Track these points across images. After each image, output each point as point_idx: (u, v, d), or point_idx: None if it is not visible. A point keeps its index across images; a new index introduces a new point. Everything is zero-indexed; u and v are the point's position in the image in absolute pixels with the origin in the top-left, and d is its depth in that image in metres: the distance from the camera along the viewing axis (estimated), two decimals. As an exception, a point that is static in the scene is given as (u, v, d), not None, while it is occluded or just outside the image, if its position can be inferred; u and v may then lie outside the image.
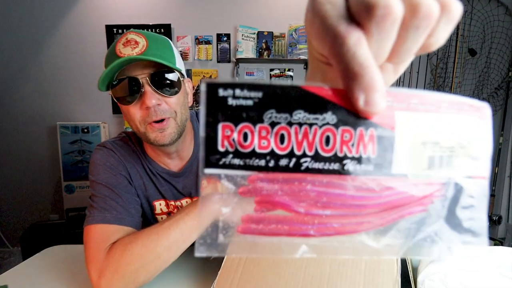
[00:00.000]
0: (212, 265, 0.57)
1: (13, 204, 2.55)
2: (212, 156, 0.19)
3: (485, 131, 0.20)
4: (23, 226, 1.80)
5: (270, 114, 0.19)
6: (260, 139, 0.19)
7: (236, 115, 0.19)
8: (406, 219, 0.20)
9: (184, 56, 2.41)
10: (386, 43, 0.18)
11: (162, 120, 0.67)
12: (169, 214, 0.82)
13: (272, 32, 2.42)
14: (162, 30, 2.38)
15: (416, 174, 0.20)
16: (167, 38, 0.71)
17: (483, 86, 2.43)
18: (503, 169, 2.48)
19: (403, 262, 0.51)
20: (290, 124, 0.19)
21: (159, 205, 0.81)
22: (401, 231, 0.20)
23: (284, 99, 0.19)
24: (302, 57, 2.37)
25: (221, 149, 0.19)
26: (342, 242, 0.20)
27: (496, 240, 2.36)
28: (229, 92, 0.19)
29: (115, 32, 2.41)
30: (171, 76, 0.66)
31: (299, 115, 0.19)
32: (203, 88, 0.19)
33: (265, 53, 2.41)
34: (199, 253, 0.20)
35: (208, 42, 2.44)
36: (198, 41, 2.44)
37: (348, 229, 0.20)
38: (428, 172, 0.20)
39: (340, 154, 0.19)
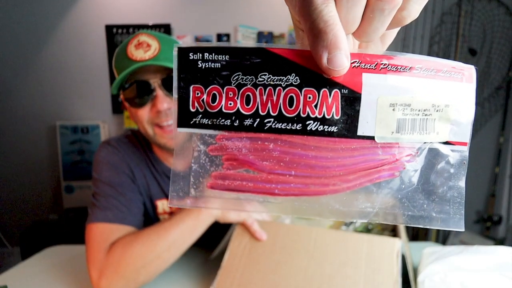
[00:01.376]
0: (212, 265, 0.57)
1: (12, 204, 2.55)
2: (184, 116, 0.21)
3: (467, 94, 0.19)
4: (22, 226, 1.80)
5: (237, 76, 0.20)
6: (227, 100, 0.20)
7: (206, 78, 0.20)
8: (375, 184, 0.20)
9: (184, 56, 2.41)
10: (354, 10, 0.18)
11: (171, 122, 0.67)
12: (171, 214, 0.82)
13: (272, 32, 2.41)
14: (162, 30, 2.38)
15: (383, 137, 0.19)
16: (178, 40, 0.71)
17: (483, 86, 2.43)
18: (503, 169, 2.47)
19: (403, 262, 0.51)
20: (255, 85, 0.19)
21: (162, 205, 0.81)
22: (369, 196, 0.20)
23: (249, 61, 0.19)
24: (302, 57, 2.37)
25: (192, 109, 0.20)
26: (308, 202, 0.20)
27: (496, 240, 2.36)
28: (199, 55, 0.20)
29: (115, 32, 2.41)
30: None
31: (264, 76, 0.19)
32: (174, 52, 0.20)
33: (265, 53, 2.41)
34: (171, 204, 0.22)
35: (208, 42, 2.44)
36: (198, 41, 2.44)
37: (312, 190, 0.20)
38: (397, 136, 0.19)
39: (303, 115, 0.19)
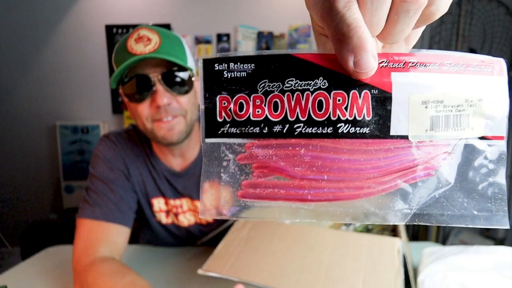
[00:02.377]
0: (205, 254, 0.57)
1: (12, 204, 2.55)
2: (212, 126, 0.21)
3: (499, 88, 0.19)
4: (22, 226, 1.80)
5: (263, 84, 0.20)
6: (255, 108, 0.20)
7: (232, 87, 0.20)
8: (412, 185, 0.20)
9: (184, 56, 2.41)
10: (379, 12, 0.18)
11: (172, 117, 0.66)
12: (168, 212, 0.82)
13: (272, 32, 2.41)
14: (162, 30, 2.38)
15: (417, 136, 0.19)
16: (179, 36, 0.70)
17: (483, 86, 2.43)
18: (503, 169, 2.47)
19: (403, 262, 0.50)
20: (282, 92, 0.19)
21: (158, 203, 0.80)
22: (405, 197, 0.20)
23: (275, 68, 0.19)
24: (302, 57, 2.37)
25: (219, 119, 0.20)
26: (342, 207, 0.20)
27: (496, 240, 2.36)
28: (224, 65, 0.20)
29: (115, 32, 2.41)
30: (183, 75, 0.65)
31: (291, 82, 0.19)
32: (200, 64, 0.20)
33: (265, 53, 2.40)
34: (203, 215, 0.22)
35: (208, 42, 2.44)
36: (198, 40, 2.44)
37: (346, 194, 0.20)
38: (432, 133, 0.19)
39: (333, 118, 0.19)
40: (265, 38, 2.41)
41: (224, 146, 0.21)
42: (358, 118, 0.19)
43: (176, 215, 0.82)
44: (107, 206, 0.70)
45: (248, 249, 0.56)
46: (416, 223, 0.20)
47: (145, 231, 0.87)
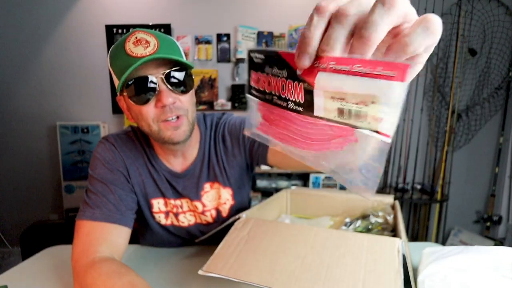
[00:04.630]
0: (206, 254, 0.57)
1: (12, 204, 2.55)
2: (248, 87, 0.35)
3: (395, 92, 0.22)
4: (22, 226, 1.80)
5: (267, 68, 0.31)
6: (262, 81, 0.32)
7: (256, 67, 0.33)
8: (332, 152, 0.28)
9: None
10: (334, 36, 0.25)
11: (176, 118, 0.67)
12: (167, 213, 0.82)
13: (272, 32, 2.41)
14: (162, 30, 2.38)
15: (329, 119, 0.27)
16: (172, 37, 0.71)
17: (483, 86, 2.43)
18: (503, 169, 2.47)
19: (403, 262, 0.50)
20: (273, 75, 0.31)
21: (157, 203, 0.81)
22: (328, 157, 0.28)
23: (272, 60, 0.30)
24: (302, 57, 2.37)
25: (252, 84, 0.34)
26: (296, 150, 0.31)
27: (496, 240, 2.36)
28: (254, 54, 0.32)
29: (115, 32, 2.41)
30: (184, 75, 0.66)
31: (275, 70, 0.30)
32: (247, 54, 0.33)
33: (265, 53, 2.41)
34: (246, 132, 0.36)
35: (208, 42, 2.44)
36: (198, 41, 2.44)
37: (300, 145, 0.30)
38: (338, 119, 0.26)
39: (288, 97, 0.30)
40: (265, 38, 2.41)
41: (252, 101, 0.34)
42: (297, 100, 0.29)
43: (176, 215, 0.83)
44: (106, 207, 0.70)
45: (248, 249, 0.56)
46: (331, 176, 0.30)
47: (145, 232, 0.87)
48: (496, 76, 2.40)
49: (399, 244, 0.53)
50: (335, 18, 0.25)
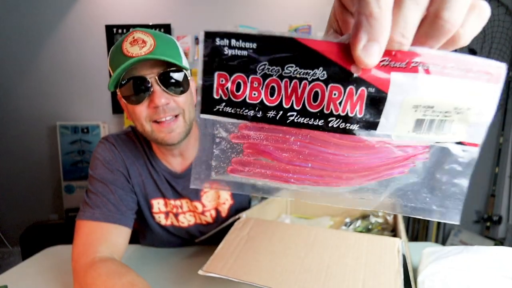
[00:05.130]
0: (205, 254, 0.57)
1: (12, 204, 2.55)
2: (208, 103, 0.20)
3: (491, 96, 0.19)
4: (22, 226, 1.80)
5: (263, 66, 0.19)
6: (252, 90, 0.20)
7: (231, 65, 0.19)
8: (385, 180, 0.21)
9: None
10: (409, 18, 0.17)
11: (175, 117, 0.67)
12: (167, 213, 0.82)
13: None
14: (162, 30, 2.38)
15: (399, 136, 0.19)
16: (172, 37, 0.71)
17: (483, 86, 2.43)
18: (503, 169, 2.47)
19: (404, 262, 0.50)
20: (281, 77, 0.19)
21: (157, 204, 0.81)
22: (377, 188, 0.21)
23: (277, 51, 0.18)
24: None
25: (215, 96, 0.20)
26: (320, 190, 0.21)
27: (496, 240, 2.36)
28: (226, 41, 0.19)
29: (115, 32, 2.41)
30: (179, 75, 0.66)
31: (291, 68, 0.19)
32: (201, 36, 0.19)
33: (265, 53, 2.40)
34: (194, 186, 0.23)
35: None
36: (198, 41, 2.44)
37: (326, 181, 0.21)
38: (413, 135, 0.19)
39: (326, 111, 0.19)
40: (265, 38, 2.41)
41: (218, 124, 0.21)
42: (350, 115, 0.19)
43: (176, 215, 0.83)
44: (106, 207, 0.70)
45: (248, 249, 0.56)
46: (380, 210, 0.21)
47: (145, 232, 0.87)
48: (496, 76, 2.39)
49: (399, 244, 0.53)
50: None
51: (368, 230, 0.79)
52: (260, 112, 0.20)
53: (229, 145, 0.21)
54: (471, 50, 2.36)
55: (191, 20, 2.42)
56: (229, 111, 0.20)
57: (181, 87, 0.67)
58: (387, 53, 0.18)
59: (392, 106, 0.18)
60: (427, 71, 0.18)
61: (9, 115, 2.46)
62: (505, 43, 2.35)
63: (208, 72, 0.20)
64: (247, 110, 0.20)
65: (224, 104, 0.20)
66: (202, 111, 0.21)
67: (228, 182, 0.22)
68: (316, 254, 0.53)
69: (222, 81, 0.20)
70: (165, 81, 0.64)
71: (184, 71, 0.67)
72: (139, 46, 0.62)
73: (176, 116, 0.68)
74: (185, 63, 0.68)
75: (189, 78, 0.69)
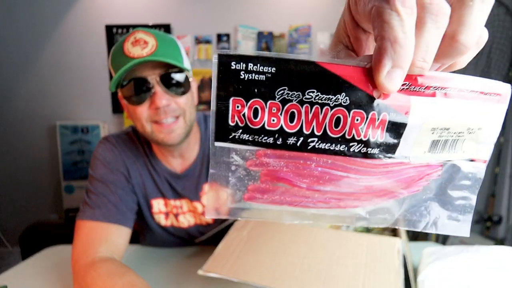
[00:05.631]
0: (205, 254, 0.57)
1: (12, 204, 2.55)
2: (223, 130, 0.19)
3: (498, 116, 0.20)
4: (22, 226, 1.80)
5: (282, 91, 0.18)
6: (270, 116, 0.19)
7: (248, 90, 0.18)
8: (401, 198, 0.22)
9: (184, 56, 2.41)
10: (431, 42, 0.17)
11: (175, 118, 0.67)
12: (167, 214, 0.82)
13: (272, 32, 2.41)
14: (162, 30, 2.38)
15: (416, 157, 0.20)
16: (174, 38, 0.71)
17: (483, 86, 2.43)
18: (503, 169, 2.47)
19: (403, 262, 0.50)
20: (301, 102, 0.18)
21: (157, 204, 0.81)
22: (392, 206, 0.21)
23: (297, 76, 0.18)
24: (302, 57, 2.37)
25: (231, 123, 0.19)
26: (338, 212, 0.21)
27: (496, 240, 2.36)
28: (242, 65, 0.18)
29: (115, 32, 2.41)
30: (181, 76, 0.66)
31: (312, 94, 0.18)
32: (214, 59, 0.18)
33: (265, 53, 2.40)
34: (208, 215, 0.21)
35: (208, 42, 2.44)
36: (198, 41, 2.44)
37: (345, 204, 0.21)
38: (428, 155, 0.20)
39: (348, 136, 0.19)
40: (265, 38, 2.41)
41: (234, 151, 0.20)
42: (371, 140, 0.19)
43: (176, 216, 0.82)
44: (106, 207, 0.70)
45: (248, 249, 0.56)
46: (396, 227, 0.22)
47: (145, 232, 0.87)
48: (496, 76, 2.39)
49: (399, 244, 0.53)
50: (430, 16, 0.17)
51: (368, 230, 0.79)
52: (280, 139, 0.19)
53: (246, 172, 0.21)
54: (471, 50, 2.36)
55: (191, 20, 2.42)
56: (246, 139, 0.19)
57: (182, 88, 0.67)
58: (408, 77, 0.18)
59: (412, 129, 0.19)
60: (445, 95, 0.18)
61: (9, 115, 2.46)
62: (505, 43, 2.35)
63: (222, 98, 0.19)
64: (266, 137, 0.19)
65: (240, 131, 0.19)
66: (217, 139, 0.20)
67: (244, 209, 0.22)
68: (316, 254, 0.53)
69: (238, 107, 0.19)
70: (167, 82, 0.64)
71: (186, 72, 0.67)
72: (140, 47, 0.62)
73: (176, 117, 0.68)
74: (186, 63, 0.68)
75: (190, 79, 0.69)
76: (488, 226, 2.47)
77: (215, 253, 0.56)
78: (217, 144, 0.20)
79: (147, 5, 2.39)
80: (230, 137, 0.19)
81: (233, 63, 0.18)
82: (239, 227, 0.63)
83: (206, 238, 0.78)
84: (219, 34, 2.44)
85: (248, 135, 0.19)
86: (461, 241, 2.44)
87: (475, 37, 0.17)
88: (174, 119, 0.67)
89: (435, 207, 0.21)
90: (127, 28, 2.38)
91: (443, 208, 0.21)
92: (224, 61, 0.18)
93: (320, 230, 0.59)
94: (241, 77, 0.18)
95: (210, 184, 0.21)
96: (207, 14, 2.41)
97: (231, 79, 0.18)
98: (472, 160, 0.21)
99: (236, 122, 0.19)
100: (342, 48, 0.23)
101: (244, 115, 0.19)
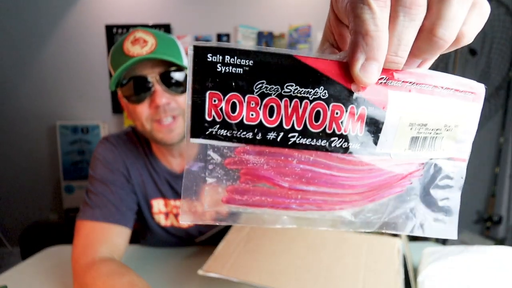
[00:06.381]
0: (205, 254, 0.57)
1: (12, 204, 2.55)
2: (199, 125, 0.18)
3: (474, 115, 0.20)
4: (22, 226, 1.80)
5: (261, 85, 0.18)
6: (249, 110, 0.18)
7: (225, 84, 0.18)
8: (385, 199, 0.21)
9: (184, 56, 2.41)
10: (406, 35, 0.17)
11: (172, 118, 0.67)
12: (167, 214, 0.82)
13: (272, 32, 2.41)
14: (162, 29, 2.38)
15: (397, 154, 0.20)
16: (174, 37, 0.71)
17: (483, 86, 2.43)
18: (503, 169, 2.47)
19: (404, 263, 0.50)
20: (280, 96, 0.18)
21: (157, 204, 0.81)
22: (378, 208, 0.21)
23: (276, 69, 0.17)
24: (302, 57, 2.37)
25: (208, 118, 0.18)
26: (322, 215, 0.21)
27: (496, 240, 2.36)
28: (219, 57, 0.17)
29: (115, 32, 2.41)
30: (180, 75, 0.66)
31: (291, 87, 0.18)
32: (190, 51, 0.18)
33: (265, 53, 2.40)
34: (183, 220, 0.20)
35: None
36: (198, 41, 2.44)
37: (329, 204, 0.20)
38: (409, 152, 0.20)
39: (328, 131, 0.18)
40: (265, 38, 2.41)
41: (212, 148, 0.19)
42: (351, 134, 0.19)
43: (176, 216, 0.83)
44: (107, 207, 0.70)
45: (248, 250, 0.56)
46: (383, 231, 0.21)
47: (145, 232, 0.87)
48: (496, 76, 2.39)
49: (399, 244, 0.53)
50: (403, 9, 0.17)
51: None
52: (260, 134, 0.18)
53: (224, 171, 0.19)
54: (471, 50, 2.36)
55: (191, 20, 2.42)
56: (224, 134, 0.18)
57: (182, 87, 0.67)
58: (385, 71, 0.18)
59: (390, 124, 0.19)
60: (420, 91, 0.19)
61: (9, 115, 2.46)
62: (505, 43, 2.35)
63: (198, 92, 0.18)
64: (245, 132, 0.18)
65: (218, 126, 0.18)
66: (192, 135, 0.18)
67: (222, 213, 0.20)
68: (316, 254, 0.53)
69: (214, 101, 0.18)
70: (166, 81, 0.65)
71: (185, 71, 0.67)
72: (140, 46, 0.62)
73: (176, 117, 0.68)
74: (185, 62, 0.68)
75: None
76: (488, 226, 2.47)
77: (215, 253, 0.56)
78: (193, 140, 0.19)
79: (147, 5, 2.39)
80: (207, 132, 0.18)
81: (209, 55, 0.17)
82: (239, 227, 0.63)
83: (206, 238, 0.78)
84: (219, 34, 2.44)
85: (226, 131, 0.18)
86: (461, 241, 2.44)
87: (454, 31, 0.17)
88: (173, 119, 0.67)
89: (420, 209, 0.21)
90: (127, 28, 2.38)
91: (428, 209, 0.21)
92: (200, 53, 0.17)
93: (320, 230, 0.59)
94: (217, 70, 0.17)
95: (184, 186, 0.20)
96: (207, 14, 2.42)
97: (208, 72, 0.18)
98: (452, 159, 0.21)
99: (213, 117, 0.18)
100: (328, 46, 0.23)
101: (221, 109, 0.18)
